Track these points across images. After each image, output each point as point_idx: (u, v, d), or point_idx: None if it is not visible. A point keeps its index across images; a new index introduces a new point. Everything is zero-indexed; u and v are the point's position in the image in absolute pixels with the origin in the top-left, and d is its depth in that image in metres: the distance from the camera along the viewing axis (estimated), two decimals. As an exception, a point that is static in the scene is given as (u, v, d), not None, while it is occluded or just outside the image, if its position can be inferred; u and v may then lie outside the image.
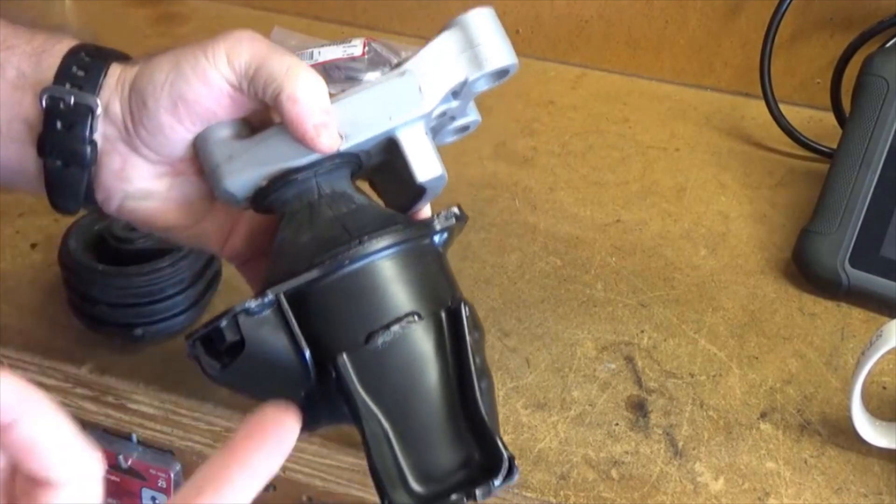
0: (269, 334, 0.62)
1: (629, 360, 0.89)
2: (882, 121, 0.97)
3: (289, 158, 0.66)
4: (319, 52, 1.30)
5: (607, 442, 0.82)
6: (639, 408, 0.85)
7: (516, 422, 0.83)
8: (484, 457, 0.61)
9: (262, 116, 0.70)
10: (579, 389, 0.86)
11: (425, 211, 0.74)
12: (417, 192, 0.70)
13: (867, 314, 0.95)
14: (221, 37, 0.66)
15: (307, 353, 0.62)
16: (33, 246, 0.99)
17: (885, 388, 0.87)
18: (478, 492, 0.59)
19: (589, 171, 1.13)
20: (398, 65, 0.69)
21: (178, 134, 0.67)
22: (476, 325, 0.66)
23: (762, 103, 1.19)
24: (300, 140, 0.65)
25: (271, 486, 0.93)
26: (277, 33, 1.39)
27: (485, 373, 0.65)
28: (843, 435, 0.82)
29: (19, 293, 0.94)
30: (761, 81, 1.18)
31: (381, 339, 0.62)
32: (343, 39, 1.33)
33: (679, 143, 1.21)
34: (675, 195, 1.12)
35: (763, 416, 0.84)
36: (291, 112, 0.64)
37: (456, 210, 0.68)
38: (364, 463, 0.78)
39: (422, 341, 0.63)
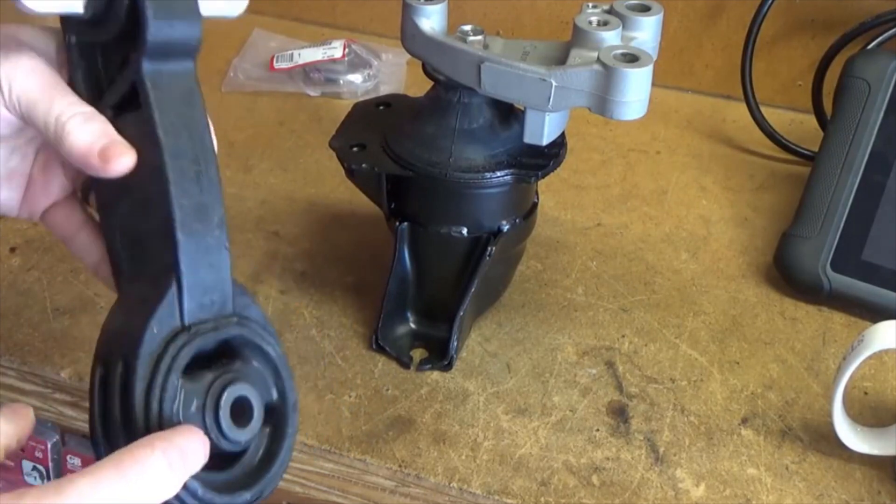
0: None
1: (610, 365, 0.89)
2: (864, 123, 0.97)
3: None
4: (299, 54, 1.30)
5: (588, 448, 0.81)
6: (619, 413, 0.84)
7: (497, 427, 0.82)
8: None
9: None
10: (560, 395, 0.86)
11: None
12: None
13: (849, 319, 0.95)
14: (4, 55, 0.61)
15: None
16: (12, 250, 0.98)
17: (866, 393, 0.87)
18: None
19: (569, 175, 1.13)
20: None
21: None
22: None
23: (743, 106, 1.19)
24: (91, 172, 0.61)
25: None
26: (258, 35, 1.39)
27: None
28: (824, 441, 0.82)
29: (-3, 297, 0.93)
30: (742, 84, 1.18)
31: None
32: (323, 41, 1.33)
33: (660, 145, 1.21)
34: (656, 199, 1.11)
35: (744, 421, 0.84)
36: (73, 160, 0.61)
37: None
38: (343, 470, 0.78)
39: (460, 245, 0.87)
